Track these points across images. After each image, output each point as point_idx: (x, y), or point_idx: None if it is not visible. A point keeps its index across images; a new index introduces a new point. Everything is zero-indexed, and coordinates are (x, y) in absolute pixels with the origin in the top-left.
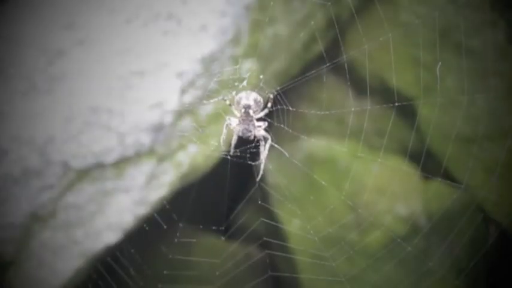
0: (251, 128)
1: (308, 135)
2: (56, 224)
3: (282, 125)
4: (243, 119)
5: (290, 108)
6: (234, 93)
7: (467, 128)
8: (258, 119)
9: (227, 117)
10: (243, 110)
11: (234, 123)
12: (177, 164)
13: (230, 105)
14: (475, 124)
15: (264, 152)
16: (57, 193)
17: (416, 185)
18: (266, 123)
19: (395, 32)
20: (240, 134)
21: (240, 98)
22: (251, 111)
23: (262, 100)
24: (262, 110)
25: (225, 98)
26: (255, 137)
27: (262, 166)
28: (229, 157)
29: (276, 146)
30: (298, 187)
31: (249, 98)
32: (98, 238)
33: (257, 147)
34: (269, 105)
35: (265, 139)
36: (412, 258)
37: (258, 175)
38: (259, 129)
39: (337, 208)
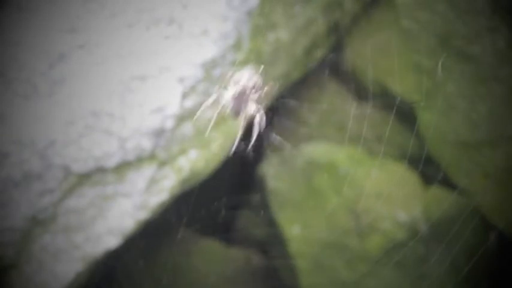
0: (242, 106)
1: (308, 140)
2: (56, 228)
3: (282, 127)
4: (236, 97)
5: (290, 110)
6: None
7: (467, 133)
8: (252, 101)
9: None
10: (239, 88)
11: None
12: (177, 169)
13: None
14: (475, 129)
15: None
16: (57, 197)
17: (415, 190)
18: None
19: (397, 37)
20: (229, 111)
21: (240, 77)
22: (247, 91)
23: (259, 83)
24: (257, 92)
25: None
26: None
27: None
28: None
29: (276, 138)
30: (298, 192)
31: (250, 78)
32: (98, 242)
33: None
34: (266, 89)
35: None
36: (411, 263)
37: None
38: (250, 108)
39: (337, 213)
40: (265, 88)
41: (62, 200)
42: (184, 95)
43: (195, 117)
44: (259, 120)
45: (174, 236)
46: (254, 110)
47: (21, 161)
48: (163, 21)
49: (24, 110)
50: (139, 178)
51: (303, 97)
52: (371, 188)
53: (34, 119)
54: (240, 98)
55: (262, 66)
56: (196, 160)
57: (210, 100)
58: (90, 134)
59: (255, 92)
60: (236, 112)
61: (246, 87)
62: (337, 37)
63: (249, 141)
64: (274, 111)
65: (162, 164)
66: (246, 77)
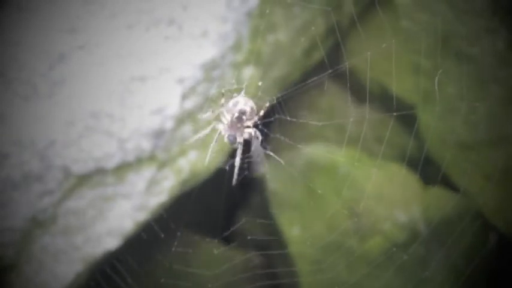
0: (238, 134)
1: (308, 143)
2: (56, 228)
3: (280, 136)
4: (232, 124)
5: (288, 118)
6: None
7: (467, 134)
8: (247, 126)
9: (213, 123)
10: (236, 115)
11: (222, 128)
12: (177, 170)
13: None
14: (475, 131)
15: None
16: (57, 198)
17: (415, 192)
18: (255, 130)
19: (396, 39)
20: (226, 139)
21: (237, 102)
22: (244, 117)
23: (255, 108)
24: (255, 116)
25: (213, 110)
26: (246, 141)
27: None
28: (227, 168)
29: (272, 154)
30: (298, 194)
31: (247, 104)
32: (98, 243)
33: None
34: (261, 113)
35: (255, 137)
36: (411, 265)
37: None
38: (246, 133)
39: (337, 215)
40: (261, 111)
41: (62, 200)
42: (184, 96)
43: (195, 118)
44: (256, 137)
45: (174, 236)
46: (250, 133)
47: (21, 162)
48: (163, 22)
49: (24, 110)
50: (139, 179)
51: (303, 98)
52: (371, 189)
53: (34, 120)
54: (235, 126)
55: (260, 94)
56: (196, 161)
57: (205, 132)
58: (90, 134)
59: (251, 116)
60: (233, 140)
61: (243, 113)
62: (337, 38)
63: (234, 142)
64: (274, 112)
65: (162, 164)
66: (243, 102)
